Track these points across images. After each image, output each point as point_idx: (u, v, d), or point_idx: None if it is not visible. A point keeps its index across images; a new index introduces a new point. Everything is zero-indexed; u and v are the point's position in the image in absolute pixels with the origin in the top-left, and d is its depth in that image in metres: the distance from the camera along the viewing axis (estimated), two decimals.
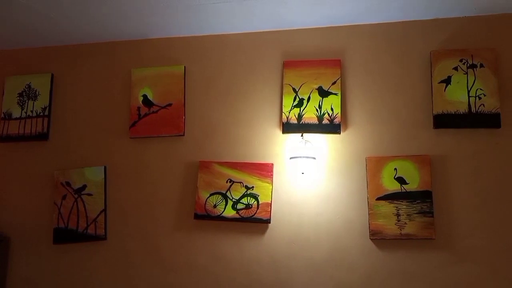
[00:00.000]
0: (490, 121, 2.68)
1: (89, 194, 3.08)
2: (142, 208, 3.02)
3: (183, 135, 3.06)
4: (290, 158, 2.74)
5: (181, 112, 3.08)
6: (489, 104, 2.70)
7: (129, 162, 3.10)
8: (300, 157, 2.69)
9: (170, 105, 3.10)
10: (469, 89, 2.75)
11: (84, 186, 3.10)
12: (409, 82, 2.85)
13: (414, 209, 2.68)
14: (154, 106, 3.13)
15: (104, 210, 3.03)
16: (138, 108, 3.14)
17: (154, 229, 2.97)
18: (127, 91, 3.17)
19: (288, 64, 3.00)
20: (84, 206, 3.07)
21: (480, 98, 2.72)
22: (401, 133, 2.81)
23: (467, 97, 2.74)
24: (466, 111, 2.72)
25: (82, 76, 3.27)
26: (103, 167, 3.10)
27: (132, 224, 3.01)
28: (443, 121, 2.74)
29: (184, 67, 3.13)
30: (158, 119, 3.10)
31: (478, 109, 2.71)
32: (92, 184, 3.09)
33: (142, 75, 3.18)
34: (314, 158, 2.74)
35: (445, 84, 2.78)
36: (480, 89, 2.73)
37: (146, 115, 3.12)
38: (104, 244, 3.00)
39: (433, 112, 2.76)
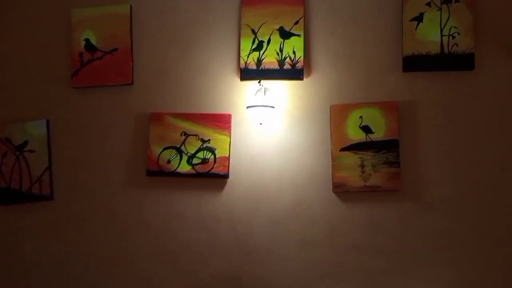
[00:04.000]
0: (463, 62, 2.47)
1: (32, 151, 2.82)
2: (90, 165, 2.78)
3: (132, 83, 2.77)
4: (247, 107, 2.50)
5: (128, 57, 2.76)
6: (463, 44, 2.47)
7: (73, 115, 2.82)
8: (257, 106, 2.45)
9: (115, 50, 2.78)
10: (442, 27, 2.50)
11: (26, 143, 2.83)
12: (379, 20, 2.59)
13: (379, 159, 2.51)
14: (98, 52, 2.80)
15: (49, 168, 2.79)
16: (80, 54, 2.81)
17: (104, 187, 2.76)
18: (67, 35, 2.83)
19: (246, 2, 2.68)
20: (27, 164, 2.81)
21: (453, 37, 2.48)
22: (368, 78, 2.58)
23: (439, 36, 2.50)
24: (438, 52, 2.49)
25: (14, 20, 2.90)
26: (45, 120, 2.81)
27: (80, 182, 2.78)
28: (413, 63, 2.51)
29: (130, 6, 2.78)
30: (103, 66, 2.78)
31: (451, 49, 2.48)
32: (34, 139, 2.81)
33: (83, 16, 2.82)
34: (273, 107, 2.50)
35: (416, 22, 2.52)
36: (454, 27, 2.49)
37: (89, 61, 2.80)
38: (50, 204, 2.78)
39: (403, 54, 2.52)
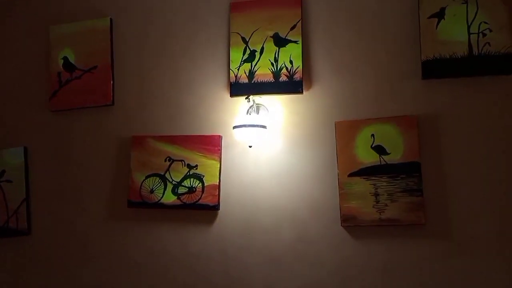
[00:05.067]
0: (498, 65, 1.99)
1: (9, 181, 2.58)
2: (69, 196, 2.51)
3: (112, 104, 2.49)
4: (234, 127, 2.13)
5: (108, 76, 2.49)
6: (497, 42, 2.00)
7: (52, 141, 2.57)
8: (245, 126, 2.08)
9: (94, 67, 2.52)
10: (469, 23, 2.05)
11: (3, 172, 2.60)
12: (391, 19, 2.17)
13: (397, 186, 2.06)
14: (76, 71, 2.55)
15: (26, 199, 2.54)
16: (59, 74, 2.57)
17: (84, 221, 2.47)
18: (46, 54, 2.60)
19: (235, 7, 2.35)
20: (4, 196, 2.58)
21: (484, 35, 2.02)
22: (380, 88, 2.15)
23: (466, 34, 2.04)
24: (466, 53, 2.04)
25: None
26: (23, 148, 2.57)
27: (58, 215, 2.51)
28: (434, 69, 2.06)
29: (110, 19, 2.51)
30: (82, 86, 2.53)
31: (482, 50, 2.02)
32: (11, 169, 2.58)
33: (61, 33, 2.59)
34: (264, 127, 2.12)
35: (437, 20, 2.08)
36: (485, 22, 2.02)
37: (67, 82, 2.55)
38: (27, 239, 2.52)
39: (422, 58, 2.08)
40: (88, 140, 2.51)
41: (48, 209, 2.52)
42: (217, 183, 2.28)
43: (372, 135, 2.12)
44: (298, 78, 2.23)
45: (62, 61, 2.56)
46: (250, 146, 2.14)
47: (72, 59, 2.55)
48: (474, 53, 2.03)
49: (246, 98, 2.19)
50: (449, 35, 2.06)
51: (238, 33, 2.33)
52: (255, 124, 2.07)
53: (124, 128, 2.46)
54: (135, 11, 2.51)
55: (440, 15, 2.08)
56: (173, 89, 2.42)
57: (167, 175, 2.35)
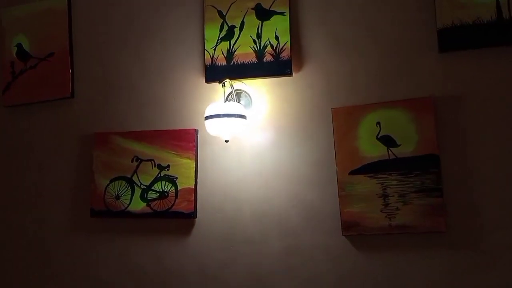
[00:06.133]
0: None
1: None
2: (26, 204, 2.17)
3: (72, 97, 2.14)
4: (205, 118, 1.75)
5: (67, 63, 2.14)
6: None
7: (5, 140, 2.24)
8: (219, 116, 1.69)
9: (51, 55, 2.17)
10: None
11: None
12: None
13: (410, 185, 1.67)
14: (31, 59, 2.20)
15: None
16: (12, 64, 2.23)
17: (43, 233, 2.13)
18: None
19: None
20: None
21: None
22: (386, 66, 1.75)
23: None
24: (494, 18, 1.63)
25: None
26: None
27: (14, 226, 2.17)
28: (454, 38, 1.66)
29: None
30: (38, 77, 2.18)
31: None
32: None
33: (15, 16, 2.25)
34: (244, 117, 1.74)
35: None
36: None
37: (22, 72, 2.21)
38: None
39: (437, 26, 1.68)
40: (45, 139, 2.16)
41: (2, 218, 2.19)
42: (193, 186, 1.91)
43: (378, 123, 1.72)
44: (286, 57, 1.84)
45: (16, 48, 2.22)
46: (227, 141, 1.76)
47: (26, 46, 2.21)
48: (504, 16, 1.62)
49: (220, 83, 1.80)
50: None
51: (213, 7, 1.95)
52: (231, 113, 1.68)
53: (86, 124, 2.11)
54: None
55: None
56: (140, 77, 2.06)
57: (134, 178, 1.99)
